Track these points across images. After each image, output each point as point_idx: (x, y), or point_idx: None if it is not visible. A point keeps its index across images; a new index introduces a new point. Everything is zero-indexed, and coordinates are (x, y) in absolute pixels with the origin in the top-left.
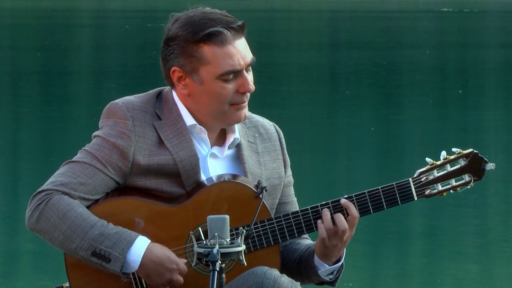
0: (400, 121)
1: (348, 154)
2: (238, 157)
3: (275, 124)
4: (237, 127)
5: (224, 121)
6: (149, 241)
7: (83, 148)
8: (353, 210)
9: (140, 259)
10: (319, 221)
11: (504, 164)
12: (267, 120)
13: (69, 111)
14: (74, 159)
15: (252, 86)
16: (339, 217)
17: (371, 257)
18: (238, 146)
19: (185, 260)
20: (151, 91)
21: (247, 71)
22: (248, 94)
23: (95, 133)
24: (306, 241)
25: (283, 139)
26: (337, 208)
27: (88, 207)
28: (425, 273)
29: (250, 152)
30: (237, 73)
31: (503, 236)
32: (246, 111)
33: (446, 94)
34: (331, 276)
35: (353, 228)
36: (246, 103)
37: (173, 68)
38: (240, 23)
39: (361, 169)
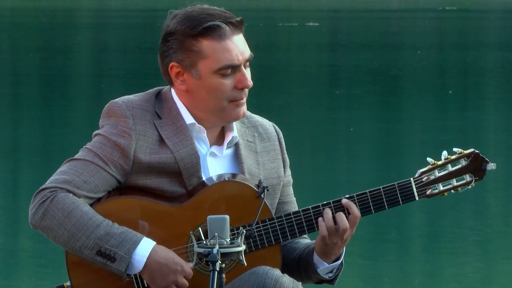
0: (400, 121)
1: (348, 154)
2: (236, 156)
3: (274, 124)
4: (235, 126)
5: (223, 118)
6: (154, 242)
7: (84, 146)
8: (355, 210)
9: (145, 260)
10: (320, 219)
11: (504, 165)
12: (267, 120)
13: (69, 112)
14: (76, 156)
15: (250, 82)
16: (341, 215)
17: (370, 257)
18: (236, 145)
19: (191, 264)
20: (150, 90)
21: (245, 67)
22: (247, 91)
23: (96, 131)
24: (305, 240)
25: (282, 139)
26: (338, 207)
27: (90, 205)
28: (425, 274)
29: (249, 152)
30: (235, 69)
31: (503, 237)
32: (244, 109)
33: (446, 94)
34: (330, 275)
35: (354, 227)
36: (245, 99)
37: (171, 64)
38: (238, 18)
39: (361, 169)
